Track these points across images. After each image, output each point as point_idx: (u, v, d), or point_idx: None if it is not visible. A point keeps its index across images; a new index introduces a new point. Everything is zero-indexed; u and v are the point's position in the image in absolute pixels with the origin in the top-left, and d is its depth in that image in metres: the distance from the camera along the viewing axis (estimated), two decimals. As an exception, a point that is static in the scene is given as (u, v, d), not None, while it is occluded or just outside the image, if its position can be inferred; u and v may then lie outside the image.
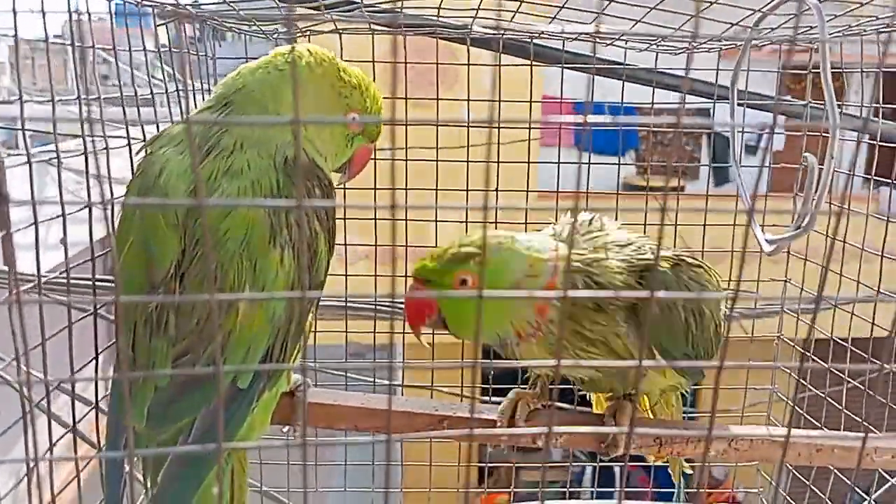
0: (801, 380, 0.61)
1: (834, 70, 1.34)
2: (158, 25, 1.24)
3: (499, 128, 1.52)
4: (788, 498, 1.63)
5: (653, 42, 1.39)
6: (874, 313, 1.30)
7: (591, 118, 0.56)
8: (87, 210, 1.01)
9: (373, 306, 1.77)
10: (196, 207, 0.89)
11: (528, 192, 1.51)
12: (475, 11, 1.32)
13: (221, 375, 0.50)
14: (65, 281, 1.02)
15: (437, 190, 1.52)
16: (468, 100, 1.52)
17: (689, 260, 1.08)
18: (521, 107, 1.61)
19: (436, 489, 1.68)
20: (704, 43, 1.35)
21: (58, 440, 1.00)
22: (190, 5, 1.43)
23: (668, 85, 1.51)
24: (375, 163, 1.54)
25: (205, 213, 0.48)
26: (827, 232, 0.64)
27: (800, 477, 1.51)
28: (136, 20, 1.33)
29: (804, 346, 0.61)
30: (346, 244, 1.52)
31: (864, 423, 0.66)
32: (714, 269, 1.14)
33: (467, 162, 1.49)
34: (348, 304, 1.71)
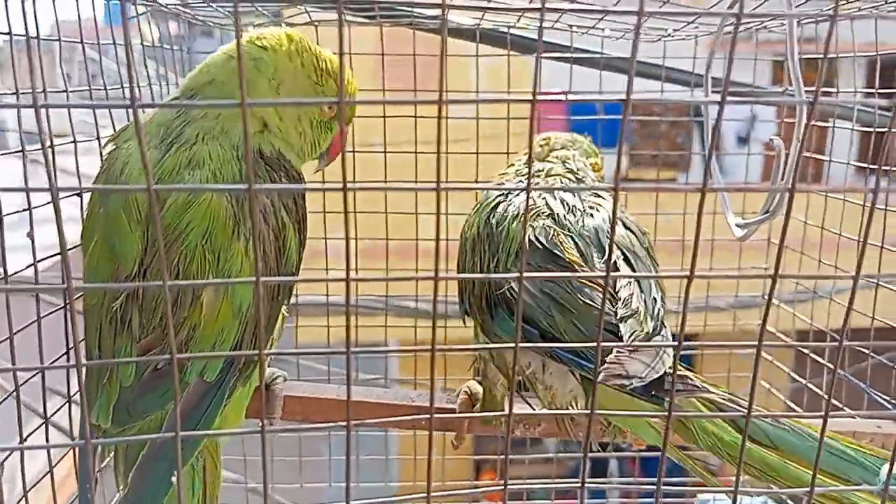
0: (761, 353, 0.61)
1: (811, 56, 1.34)
2: (130, 18, 1.23)
3: (477, 119, 1.52)
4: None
5: (629, 30, 1.39)
6: (850, 301, 1.30)
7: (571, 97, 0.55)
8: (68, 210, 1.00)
9: (354, 304, 1.77)
10: (158, 203, 0.88)
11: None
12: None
13: (175, 362, 0.49)
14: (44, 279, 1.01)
15: (415, 189, 1.52)
16: (444, 99, 1.51)
17: None
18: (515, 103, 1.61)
19: (422, 481, 1.67)
20: (679, 29, 1.35)
21: (31, 433, 0.99)
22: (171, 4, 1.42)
23: (645, 74, 1.51)
24: (354, 157, 1.54)
25: (153, 197, 0.47)
26: (787, 212, 0.63)
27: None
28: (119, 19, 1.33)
29: (764, 315, 0.60)
30: (325, 238, 1.52)
31: (828, 400, 0.66)
32: None
33: (447, 153, 1.47)
34: (330, 303, 1.71)
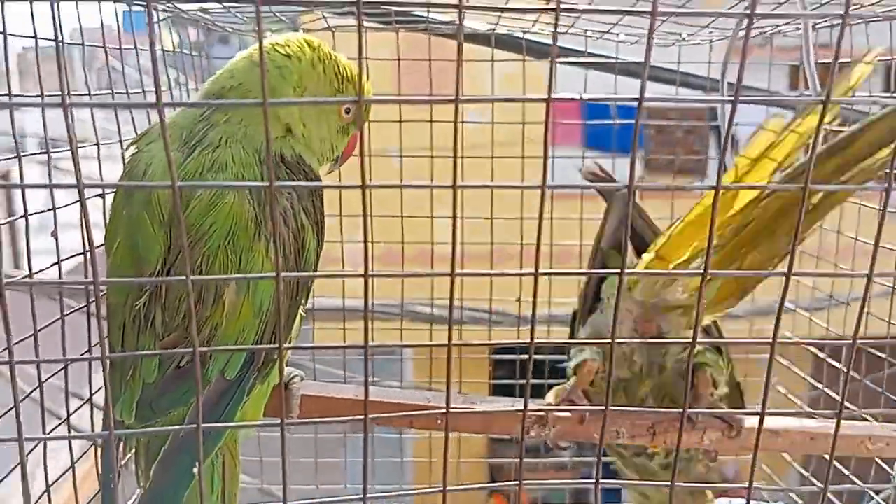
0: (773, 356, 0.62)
1: (827, 62, 1.34)
2: (152, 22, 1.26)
3: (492, 124, 1.53)
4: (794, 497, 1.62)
5: (643, 35, 1.40)
6: (863, 299, 1.30)
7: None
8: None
9: (371, 309, 1.79)
10: (181, 205, 0.90)
11: (523, 187, 1.51)
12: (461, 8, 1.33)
13: (197, 355, 0.51)
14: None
15: (432, 187, 1.53)
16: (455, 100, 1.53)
17: None
18: (531, 107, 1.62)
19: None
20: (694, 34, 1.35)
21: (52, 430, 1.01)
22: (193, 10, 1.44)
23: (660, 78, 1.52)
24: (370, 161, 1.56)
25: (177, 194, 0.49)
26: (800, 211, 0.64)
27: (812, 479, 1.50)
28: (141, 25, 1.35)
29: (778, 312, 0.61)
30: (341, 241, 1.53)
31: (841, 401, 0.66)
32: None
33: (462, 157, 1.48)
34: (346, 307, 1.73)
